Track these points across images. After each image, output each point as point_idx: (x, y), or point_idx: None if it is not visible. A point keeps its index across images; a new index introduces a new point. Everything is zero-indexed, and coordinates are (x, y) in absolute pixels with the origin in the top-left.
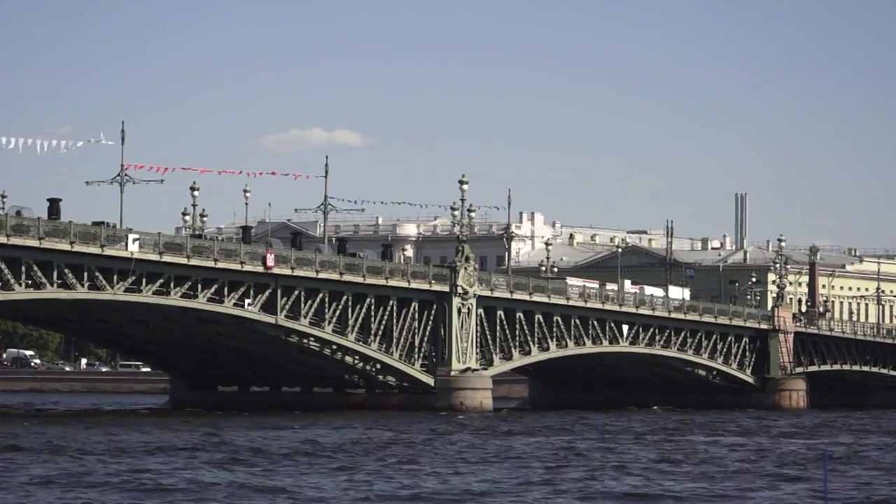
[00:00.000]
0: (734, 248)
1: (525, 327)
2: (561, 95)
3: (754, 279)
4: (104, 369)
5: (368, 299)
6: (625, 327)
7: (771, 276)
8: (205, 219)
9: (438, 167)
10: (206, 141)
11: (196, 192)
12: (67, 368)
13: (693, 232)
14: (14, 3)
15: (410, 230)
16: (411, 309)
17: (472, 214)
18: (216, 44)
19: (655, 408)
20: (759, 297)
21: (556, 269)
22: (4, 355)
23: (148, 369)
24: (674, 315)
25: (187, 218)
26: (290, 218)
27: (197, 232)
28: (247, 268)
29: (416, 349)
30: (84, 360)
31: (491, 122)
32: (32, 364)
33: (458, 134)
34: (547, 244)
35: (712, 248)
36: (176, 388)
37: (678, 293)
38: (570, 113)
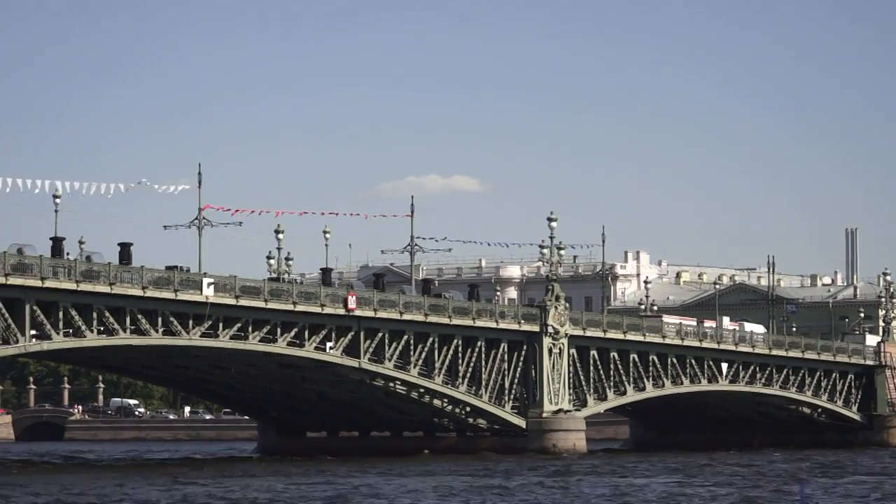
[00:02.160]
0: (845, 283)
1: (620, 367)
2: (670, 137)
3: (863, 315)
4: (207, 417)
5: (455, 341)
6: (724, 365)
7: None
8: (290, 262)
9: (551, 210)
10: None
11: (281, 236)
12: (171, 417)
13: (803, 268)
14: (88, 46)
15: (514, 272)
16: (500, 350)
17: (563, 252)
18: (330, 90)
19: (777, 454)
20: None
21: (655, 308)
22: (109, 404)
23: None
24: (775, 352)
25: (272, 262)
26: (393, 262)
27: (283, 276)
28: (328, 310)
29: (507, 391)
30: (188, 409)
31: (603, 164)
32: (136, 413)
33: (573, 177)
34: (646, 282)
35: (822, 285)
36: (264, 434)
37: (759, 330)
38: (679, 152)
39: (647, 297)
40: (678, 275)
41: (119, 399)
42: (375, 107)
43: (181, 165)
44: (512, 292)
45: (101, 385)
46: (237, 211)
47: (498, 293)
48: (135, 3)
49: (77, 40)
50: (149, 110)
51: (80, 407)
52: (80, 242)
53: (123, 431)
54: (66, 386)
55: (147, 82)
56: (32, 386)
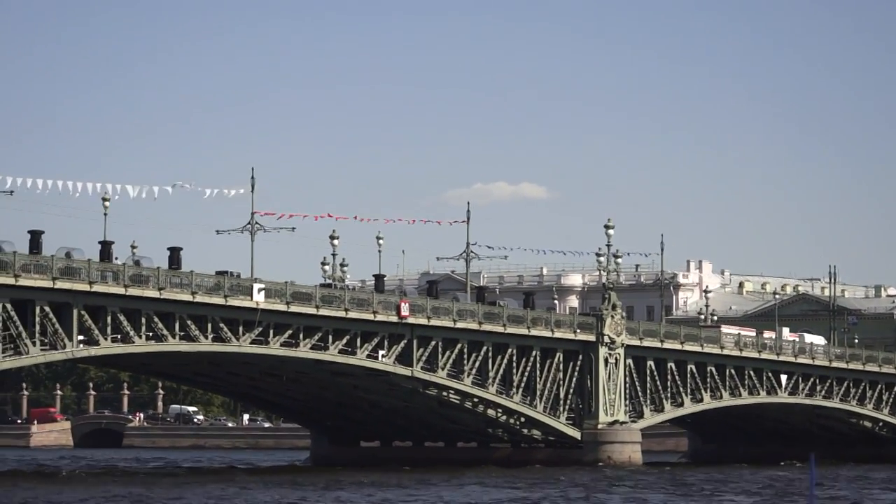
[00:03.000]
0: None
1: (677, 378)
2: (739, 147)
3: None
4: (266, 425)
5: (510, 350)
6: (783, 377)
7: None
8: (345, 268)
9: (619, 218)
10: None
11: (336, 241)
12: (230, 424)
13: (868, 279)
14: (141, 50)
15: (575, 280)
16: (556, 359)
17: (620, 261)
18: (395, 97)
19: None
20: None
21: (715, 318)
22: (168, 411)
23: None
24: (835, 364)
25: (326, 268)
26: (454, 270)
27: (337, 282)
28: (380, 318)
29: (562, 401)
30: (246, 416)
31: (669, 173)
32: (195, 420)
33: (639, 185)
34: (706, 292)
35: (887, 295)
36: (317, 443)
37: (820, 341)
38: (748, 162)
39: (706, 306)
40: (741, 284)
41: (178, 406)
42: (443, 113)
43: (234, 170)
44: (573, 301)
45: (161, 391)
46: (291, 216)
47: (556, 301)
48: (188, 8)
49: (130, 44)
50: (203, 114)
51: (140, 415)
52: (132, 247)
53: (182, 439)
54: (126, 392)
55: (202, 86)
56: (92, 392)
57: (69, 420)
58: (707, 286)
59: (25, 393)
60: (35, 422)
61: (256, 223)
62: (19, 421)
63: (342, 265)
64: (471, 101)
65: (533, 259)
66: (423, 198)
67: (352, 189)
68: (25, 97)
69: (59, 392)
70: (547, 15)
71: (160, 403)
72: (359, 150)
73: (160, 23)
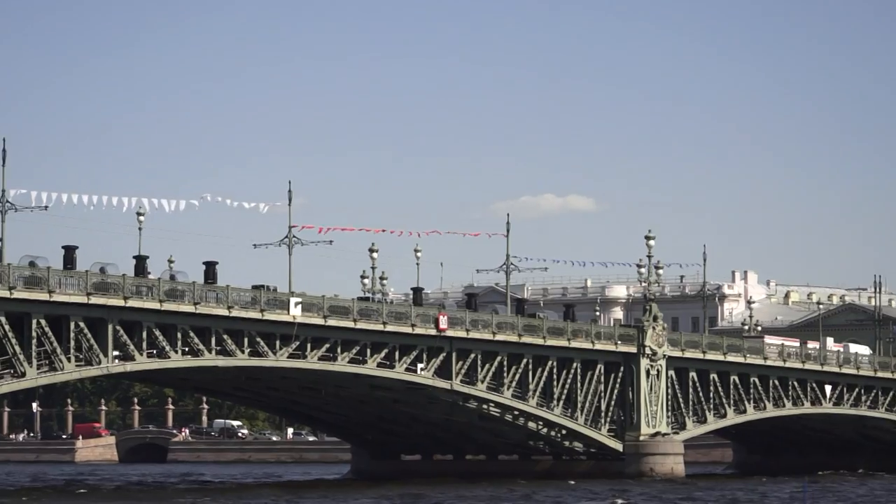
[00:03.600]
0: None
1: (720, 389)
2: (783, 158)
3: None
4: (311, 438)
5: (550, 362)
6: (828, 388)
7: None
8: (384, 281)
9: (665, 229)
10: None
11: (375, 255)
12: (274, 438)
13: None
14: (176, 64)
15: (619, 291)
16: (596, 371)
17: (661, 272)
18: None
19: None
20: None
21: (759, 328)
22: (213, 425)
23: None
24: (880, 374)
25: (366, 281)
26: (498, 283)
27: (377, 296)
28: (418, 331)
29: (603, 413)
30: (291, 430)
31: (715, 183)
32: (240, 434)
33: (686, 196)
34: (749, 302)
35: None
36: (358, 457)
37: (865, 351)
38: (792, 172)
39: (750, 317)
40: (787, 295)
41: (222, 420)
42: (490, 126)
43: (271, 184)
44: (618, 312)
45: (205, 406)
46: (329, 229)
47: (598, 313)
48: (224, 23)
49: (166, 58)
50: (240, 128)
51: (186, 430)
52: (170, 261)
53: (226, 453)
54: (171, 407)
55: (240, 99)
56: (137, 407)
57: (114, 435)
58: (752, 297)
59: (70, 408)
60: (80, 437)
61: (294, 237)
62: (64, 436)
63: (382, 278)
64: (517, 113)
65: (577, 271)
66: (471, 211)
67: (397, 203)
68: (60, 113)
69: (103, 407)
70: (595, 29)
71: (205, 418)
72: (405, 163)
73: (198, 38)
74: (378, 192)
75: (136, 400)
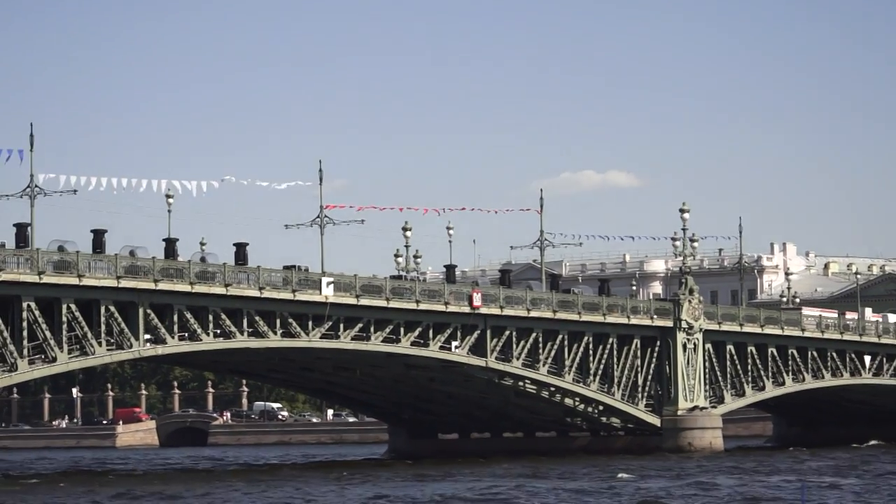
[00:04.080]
0: None
1: (758, 362)
2: (823, 129)
3: None
4: (351, 420)
5: (586, 338)
6: (867, 358)
7: None
8: (418, 260)
9: (706, 202)
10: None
11: (409, 233)
12: (314, 420)
13: None
14: (202, 45)
15: (658, 266)
16: (633, 346)
17: (696, 245)
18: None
19: None
20: None
21: (797, 300)
22: (253, 408)
23: None
24: None
25: (400, 260)
26: (536, 259)
27: (410, 274)
28: (452, 308)
29: (640, 388)
30: (331, 412)
31: (752, 154)
32: (280, 416)
33: (725, 169)
34: (787, 274)
35: None
36: (395, 437)
37: None
38: (831, 142)
39: (788, 289)
40: (826, 266)
41: (262, 403)
42: (529, 103)
43: (300, 163)
44: (656, 287)
45: (245, 389)
46: (361, 208)
47: (634, 287)
48: (252, 3)
49: (194, 39)
50: (269, 108)
51: (227, 414)
52: (202, 244)
53: (267, 435)
54: (211, 390)
55: (269, 78)
56: (177, 391)
57: (154, 419)
58: (790, 268)
59: (111, 394)
60: (120, 422)
61: (326, 216)
62: (105, 422)
63: (416, 257)
64: (556, 90)
65: (615, 247)
66: (510, 188)
67: (434, 182)
68: (87, 96)
69: (144, 392)
70: (632, 4)
71: (245, 400)
72: (445, 141)
73: (227, 15)
74: (414, 171)
75: (176, 384)
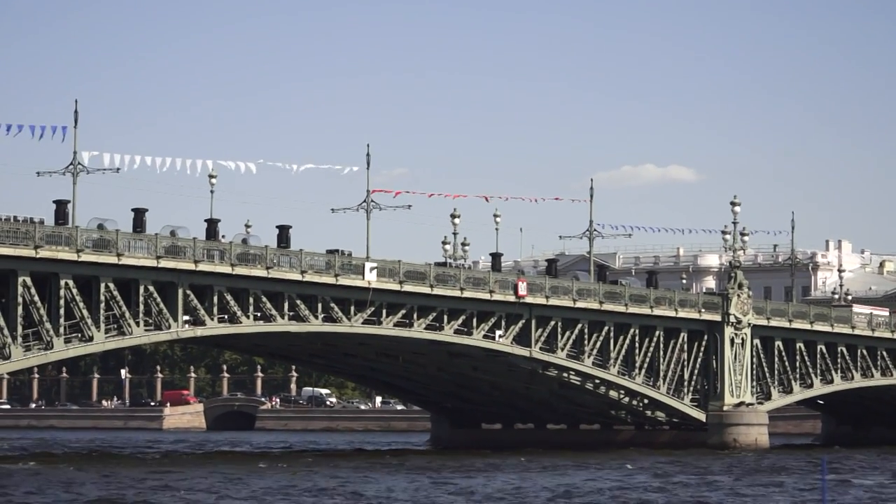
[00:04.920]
0: None
1: (806, 358)
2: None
3: None
4: (399, 407)
5: (632, 330)
6: None
7: None
8: (466, 248)
9: (763, 198)
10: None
11: (457, 220)
12: (362, 407)
13: None
14: (247, 30)
15: (712, 260)
16: (679, 340)
17: (746, 239)
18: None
19: None
20: None
21: (849, 297)
22: (301, 393)
23: None
24: None
25: (447, 247)
26: (588, 250)
27: (459, 262)
28: (496, 297)
29: (686, 383)
30: (379, 399)
31: (813, 152)
32: (328, 403)
33: (782, 166)
34: (840, 271)
35: None
36: (438, 426)
37: None
38: (887, 143)
39: (840, 286)
40: (881, 264)
41: (311, 388)
42: (591, 97)
43: (346, 146)
44: (710, 281)
45: (294, 374)
46: (408, 192)
47: (684, 281)
48: None
49: (240, 23)
50: (316, 91)
51: (276, 399)
52: (247, 226)
53: (314, 421)
54: (260, 375)
55: (316, 63)
56: (226, 374)
57: (202, 402)
58: (843, 265)
59: (160, 375)
60: (168, 404)
61: (372, 201)
62: (152, 403)
63: (464, 244)
64: (618, 84)
65: (670, 240)
66: (571, 180)
67: (496, 172)
68: (132, 75)
69: (193, 374)
70: (694, 4)
71: (293, 386)
72: (509, 133)
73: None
74: (470, 162)
75: (225, 367)
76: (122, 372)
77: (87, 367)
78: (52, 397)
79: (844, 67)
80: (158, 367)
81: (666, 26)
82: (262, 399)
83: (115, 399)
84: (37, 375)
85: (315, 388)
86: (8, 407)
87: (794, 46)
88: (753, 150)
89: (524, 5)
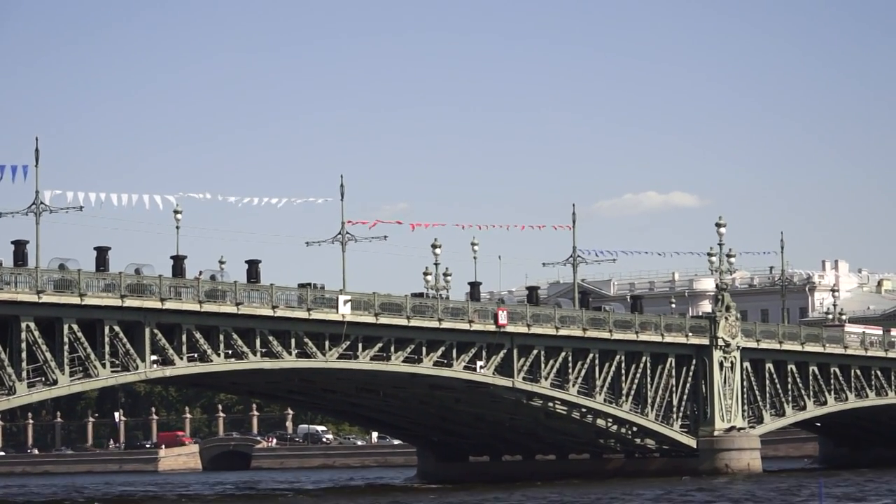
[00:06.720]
0: None
1: (798, 380)
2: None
3: None
4: (396, 442)
5: (618, 356)
6: None
7: None
8: (448, 278)
9: (766, 224)
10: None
11: (438, 250)
12: (359, 443)
13: None
14: (217, 60)
15: (708, 284)
16: (667, 365)
17: (732, 260)
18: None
19: None
20: None
21: (845, 318)
22: (297, 431)
23: None
24: None
25: (429, 278)
26: (584, 278)
27: (441, 292)
28: (476, 327)
29: (675, 409)
30: (375, 434)
31: (803, 172)
32: (324, 439)
33: (774, 187)
34: (833, 291)
35: None
36: (424, 460)
37: None
38: (884, 163)
39: (834, 305)
40: (879, 283)
41: (307, 426)
42: (592, 125)
43: (322, 179)
44: (706, 305)
45: (290, 412)
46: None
47: (673, 306)
48: (270, 16)
49: (210, 53)
50: (287, 123)
51: (274, 439)
52: (221, 262)
53: (310, 459)
54: (256, 413)
55: (292, 91)
56: (221, 414)
57: (198, 443)
58: (837, 285)
59: (155, 417)
60: (163, 446)
61: (347, 233)
62: (148, 445)
63: (445, 274)
64: (619, 112)
65: (663, 264)
66: (570, 208)
67: (493, 201)
68: (93, 113)
69: (188, 415)
70: (696, 28)
71: (289, 423)
72: (505, 161)
73: (235, 31)
74: (477, 190)
75: (220, 407)
76: (116, 415)
77: (82, 411)
78: (47, 442)
79: (843, 89)
80: (154, 409)
81: (666, 54)
82: (258, 438)
83: (112, 442)
84: (31, 421)
85: (311, 426)
86: (3, 454)
87: (796, 71)
88: (753, 174)
89: (527, 33)
